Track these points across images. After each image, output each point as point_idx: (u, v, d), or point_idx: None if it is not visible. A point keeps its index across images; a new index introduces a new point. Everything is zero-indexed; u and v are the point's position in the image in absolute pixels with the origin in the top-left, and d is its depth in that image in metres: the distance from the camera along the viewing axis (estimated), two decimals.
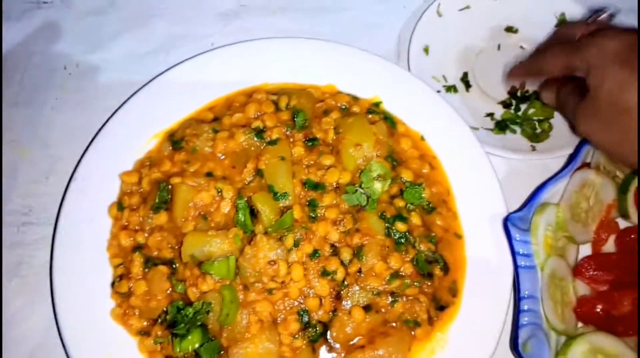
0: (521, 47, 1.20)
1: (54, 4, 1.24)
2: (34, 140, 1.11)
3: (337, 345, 0.87)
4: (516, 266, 0.88)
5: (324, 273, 0.88)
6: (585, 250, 0.97)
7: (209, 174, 0.97)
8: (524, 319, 0.85)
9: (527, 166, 1.07)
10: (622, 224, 0.98)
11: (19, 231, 1.03)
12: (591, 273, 0.91)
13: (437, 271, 0.91)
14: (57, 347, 0.93)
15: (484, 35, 1.20)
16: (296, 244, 0.88)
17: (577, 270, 0.92)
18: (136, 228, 0.95)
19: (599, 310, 0.89)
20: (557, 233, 0.93)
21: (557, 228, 0.93)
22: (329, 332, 0.88)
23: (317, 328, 0.87)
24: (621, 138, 0.79)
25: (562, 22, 1.16)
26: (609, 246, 0.96)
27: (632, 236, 0.94)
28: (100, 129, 1.02)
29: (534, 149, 1.05)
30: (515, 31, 1.21)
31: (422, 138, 1.03)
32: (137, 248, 0.93)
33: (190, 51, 1.12)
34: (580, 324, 0.91)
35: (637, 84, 0.75)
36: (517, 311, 0.86)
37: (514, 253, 0.88)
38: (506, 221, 0.90)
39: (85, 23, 1.22)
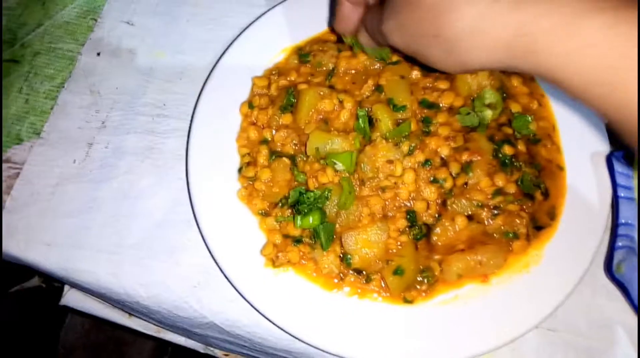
0: None
1: None
2: (168, 46, 1.23)
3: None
4: (616, 196, 0.93)
5: (434, 180, 0.96)
6: None
7: (331, 87, 1.06)
8: (620, 243, 0.91)
9: None
10: None
11: (153, 121, 1.15)
12: None
13: (538, 194, 0.98)
14: (180, 223, 1.06)
15: None
16: (411, 151, 0.96)
17: None
18: (263, 125, 1.05)
19: None
20: None
21: None
22: (432, 234, 0.96)
23: (422, 229, 0.95)
24: (412, 32, 0.72)
25: None
26: None
27: None
28: (234, 40, 1.13)
29: None
30: None
31: (532, 78, 1.09)
32: (264, 141, 1.04)
33: None
34: None
35: None
36: (613, 236, 0.92)
37: (614, 183, 0.93)
38: (610, 156, 0.96)
39: None
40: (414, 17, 0.70)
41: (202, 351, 1.34)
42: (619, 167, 0.95)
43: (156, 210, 1.07)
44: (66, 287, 1.31)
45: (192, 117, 1.06)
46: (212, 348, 1.32)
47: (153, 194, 1.08)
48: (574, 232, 0.96)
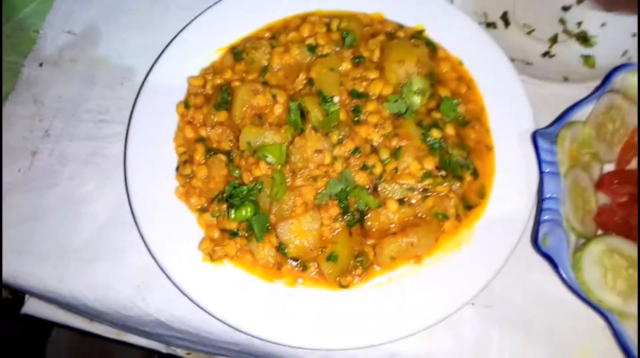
0: None
1: None
2: (109, 53, 1.25)
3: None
4: (541, 171, 0.95)
5: (364, 167, 0.98)
6: (609, 169, 1.04)
7: (265, 83, 1.08)
8: (545, 216, 0.93)
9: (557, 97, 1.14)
10: None
11: (95, 127, 1.17)
12: (614, 185, 0.98)
13: (467, 175, 1.00)
14: (123, 224, 1.07)
15: None
16: (340, 141, 0.99)
17: (600, 183, 0.99)
18: (199, 123, 1.07)
19: (618, 218, 0.96)
20: (582, 149, 1.00)
21: (582, 144, 1.00)
22: (365, 219, 0.98)
23: (355, 215, 0.97)
24: None
25: None
26: (632, 167, 1.02)
27: None
28: (171, 41, 1.15)
29: (566, 79, 1.12)
30: None
31: (461, 63, 1.12)
32: (200, 139, 1.06)
33: None
34: (599, 231, 0.98)
35: None
36: (539, 210, 0.94)
37: (539, 159, 0.96)
38: (535, 133, 0.98)
39: None
40: None
41: (164, 351, 1.35)
42: (543, 144, 0.97)
43: (99, 214, 1.09)
44: (27, 296, 1.33)
45: (129, 120, 1.07)
46: (174, 348, 1.34)
47: (97, 198, 1.10)
48: (503, 209, 0.98)
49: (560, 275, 0.90)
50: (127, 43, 1.25)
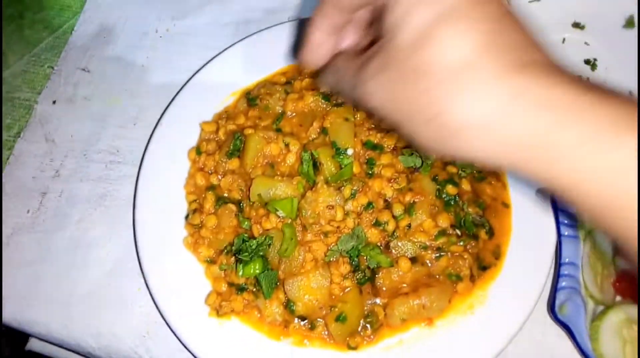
0: (586, 43, 1.23)
1: None
2: (123, 91, 1.25)
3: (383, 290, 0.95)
4: (559, 234, 0.93)
5: (376, 224, 0.96)
6: None
7: (278, 130, 1.07)
8: (563, 283, 0.90)
9: None
10: None
11: (107, 168, 1.16)
12: None
13: (483, 234, 0.97)
14: (131, 270, 1.06)
15: (550, 29, 1.25)
16: (353, 195, 0.97)
17: (620, 248, 0.96)
18: (211, 170, 1.06)
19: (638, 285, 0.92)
20: None
21: None
22: (376, 278, 0.95)
23: (366, 273, 0.95)
24: (403, 103, 0.54)
25: (630, 24, 1.20)
26: None
27: None
28: (185, 84, 1.14)
29: None
30: (582, 27, 1.25)
31: None
32: (211, 187, 1.04)
33: (267, 23, 1.23)
34: (618, 298, 0.94)
35: (455, 37, 0.49)
36: (556, 275, 0.91)
37: (558, 221, 0.93)
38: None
39: None
40: (414, 88, 0.52)
41: None
42: (561, 205, 0.94)
43: (107, 259, 1.07)
44: None
45: (140, 164, 1.06)
46: None
47: (105, 243, 1.09)
48: (519, 271, 0.95)
49: (578, 346, 0.87)
50: (142, 82, 1.25)
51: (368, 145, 1.02)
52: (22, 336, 1.34)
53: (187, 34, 1.30)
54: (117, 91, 1.25)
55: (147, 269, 0.98)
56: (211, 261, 0.99)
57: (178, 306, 0.96)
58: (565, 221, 0.93)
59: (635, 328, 0.88)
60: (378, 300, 0.95)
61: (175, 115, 1.11)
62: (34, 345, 1.29)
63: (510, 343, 0.91)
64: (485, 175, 1.03)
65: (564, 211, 0.94)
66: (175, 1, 1.35)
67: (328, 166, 0.98)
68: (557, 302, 0.89)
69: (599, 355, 0.86)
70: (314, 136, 1.05)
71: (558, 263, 0.92)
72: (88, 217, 1.11)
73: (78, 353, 1.07)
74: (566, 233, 0.93)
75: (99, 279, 1.06)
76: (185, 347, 0.93)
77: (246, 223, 0.99)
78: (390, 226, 0.95)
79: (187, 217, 1.03)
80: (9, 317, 1.04)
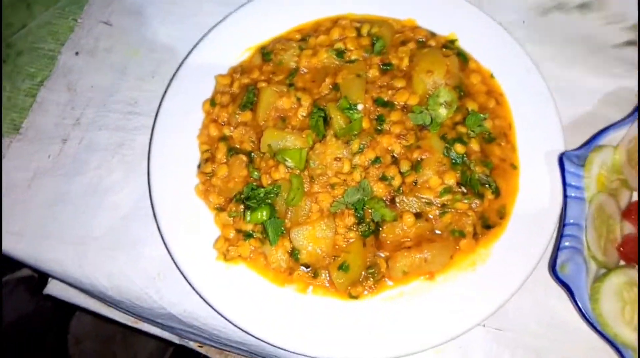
0: None
1: None
2: (143, 45, 1.27)
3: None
4: (565, 195, 0.93)
5: (383, 178, 0.97)
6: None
7: (291, 85, 1.08)
8: (565, 243, 0.90)
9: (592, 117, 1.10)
10: None
11: (124, 118, 1.20)
12: None
13: (488, 193, 0.98)
14: (145, 216, 1.09)
15: None
16: (361, 149, 0.98)
17: (627, 211, 0.95)
18: (224, 122, 1.08)
19: None
20: (611, 174, 0.96)
21: (612, 169, 0.96)
22: (380, 231, 0.97)
23: (370, 226, 0.97)
24: None
25: None
26: None
27: None
28: (202, 38, 1.16)
29: None
30: None
31: (492, 76, 1.09)
32: (223, 138, 1.07)
33: None
34: (622, 263, 0.94)
35: None
36: (559, 235, 0.91)
37: (564, 182, 0.93)
38: (562, 155, 0.95)
39: None
40: None
41: (177, 342, 1.38)
42: (570, 167, 0.94)
43: (122, 204, 1.11)
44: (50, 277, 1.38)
45: (156, 115, 1.09)
46: (186, 340, 1.37)
47: (120, 189, 1.13)
48: (523, 232, 0.96)
49: (576, 305, 0.88)
50: (160, 36, 1.27)
51: (379, 102, 1.03)
52: (40, 281, 1.40)
53: None
54: (136, 44, 1.27)
55: (159, 214, 1.01)
56: (221, 209, 1.02)
57: (188, 250, 0.99)
58: (572, 183, 0.93)
59: (636, 290, 0.88)
60: (381, 253, 0.97)
61: (192, 68, 1.13)
62: (52, 288, 1.36)
63: (510, 302, 0.92)
64: (495, 136, 1.03)
65: (572, 172, 0.93)
66: None
67: (338, 121, 0.99)
68: (559, 261, 0.89)
69: (598, 315, 0.87)
70: (326, 92, 1.06)
71: (562, 223, 0.92)
72: (105, 164, 1.15)
73: (92, 294, 1.12)
74: (572, 195, 0.93)
75: (113, 223, 1.10)
76: (194, 288, 0.96)
77: (256, 173, 1.01)
78: (397, 182, 0.97)
79: (199, 166, 1.06)
80: (27, 256, 1.09)
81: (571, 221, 0.91)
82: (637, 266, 0.91)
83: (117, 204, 1.12)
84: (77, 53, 1.28)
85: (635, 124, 0.96)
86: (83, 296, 1.35)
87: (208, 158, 1.05)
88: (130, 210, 1.11)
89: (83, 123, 1.20)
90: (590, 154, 0.95)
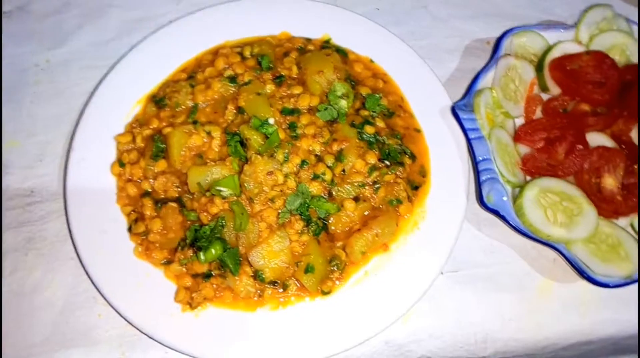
0: None
1: (12, 13, 1.32)
2: (20, 132, 1.18)
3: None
4: (468, 139, 1.06)
5: (315, 177, 1.02)
6: (521, 122, 1.17)
7: (196, 122, 1.09)
8: (483, 177, 1.03)
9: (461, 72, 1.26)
10: (545, 97, 1.18)
11: (25, 212, 1.10)
12: (528, 135, 1.10)
13: (406, 159, 1.08)
14: (85, 301, 1.02)
15: None
16: (286, 158, 1.02)
17: (517, 136, 1.12)
18: (139, 179, 1.05)
19: (540, 162, 1.08)
20: (495, 111, 1.12)
21: (494, 106, 1.12)
22: (329, 225, 1.02)
23: (318, 223, 1.01)
24: None
25: None
26: (538, 116, 1.16)
27: (555, 103, 1.15)
28: (85, 105, 1.12)
29: None
30: None
31: (371, 61, 1.20)
32: (145, 194, 1.04)
33: (151, 30, 1.24)
34: (528, 178, 1.10)
35: None
36: (477, 173, 1.04)
37: (464, 129, 1.06)
38: (454, 107, 1.09)
39: (47, 23, 1.31)
40: None
41: None
42: (463, 114, 1.07)
43: (55, 298, 1.02)
44: None
45: (64, 195, 1.03)
46: None
47: (48, 284, 1.03)
48: (444, 180, 1.07)
49: (509, 224, 1.01)
50: (36, 117, 1.19)
51: (285, 111, 1.08)
52: None
53: (70, 61, 1.26)
54: (13, 134, 1.18)
55: (107, 292, 0.95)
56: (168, 262, 0.99)
57: (151, 315, 0.94)
58: (469, 127, 1.07)
59: (550, 195, 1.03)
60: (337, 244, 1.01)
61: (85, 137, 1.08)
62: None
63: (456, 245, 1.02)
64: (394, 110, 1.14)
65: (466, 118, 1.07)
66: (48, 31, 1.30)
67: (255, 139, 1.03)
68: (484, 193, 1.01)
69: (529, 225, 1.00)
70: (232, 118, 1.09)
71: (475, 162, 1.05)
72: (21, 265, 1.05)
73: None
74: (473, 136, 1.06)
75: (54, 320, 1.00)
76: (173, 348, 0.92)
77: (192, 214, 1.00)
78: (328, 176, 1.02)
79: (129, 229, 1.01)
80: None
81: (481, 157, 1.04)
82: (540, 177, 1.07)
83: (49, 300, 1.02)
84: None
85: (499, 64, 1.14)
86: None
87: (137, 218, 1.02)
88: (67, 301, 1.02)
89: None
90: (474, 99, 1.09)
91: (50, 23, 1.31)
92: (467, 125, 1.06)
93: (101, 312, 1.00)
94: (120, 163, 1.07)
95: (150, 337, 0.93)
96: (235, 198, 0.99)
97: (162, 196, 1.04)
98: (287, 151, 1.03)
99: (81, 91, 1.20)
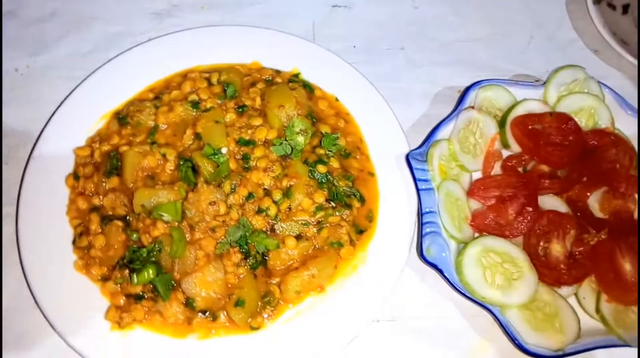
0: None
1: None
2: None
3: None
4: (417, 189, 1.06)
5: (259, 211, 1.03)
6: (479, 176, 1.16)
7: (154, 143, 1.11)
8: (426, 229, 1.03)
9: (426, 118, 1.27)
10: (506, 153, 1.18)
11: None
12: (481, 191, 1.10)
13: (355, 202, 1.08)
14: (25, 308, 1.03)
15: None
16: (233, 189, 1.03)
17: (470, 191, 1.11)
18: (91, 193, 1.07)
19: (489, 219, 1.07)
20: (450, 163, 1.12)
21: (450, 158, 1.12)
22: (267, 260, 1.02)
23: (257, 258, 1.02)
24: None
25: None
26: (497, 172, 1.16)
27: (514, 161, 1.15)
28: (53, 114, 1.15)
29: None
30: None
31: (337, 99, 1.21)
32: (94, 209, 1.06)
33: (128, 46, 1.27)
34: (476, 234, 1.09)
35: None
36: (420, 224, 1.04)
37: (414, 178, 1.06)
38: (408, 156, 1.09)
39: (32, 29, 1.35)
40: None
41: None
42: (416, 164, 1.08)
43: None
44: None
45: (18, 201, 1.05)
46: None
47: None
48: (391, 228, 1.07)
49: (446, 279, 1.00)
50: (8, 121, 1.23)
51: (241, 142, 1.09)
52: None
53: (48, 69, 1.29)
54: None
55: (42, 301, 0.97)
56: (105, 279, 1.01)
57: (80, 329, 0.96)
58: (420, 177, 1.07)
59: (492, 255, 1.02)
60: (273, 280, 1.02)
61: (47, 145, 1.11)
62: None
63: (394, 293, 1.02)
64: (350, 151, 1.14)
65: (418, 168, 1.07)
66: (32, 38, 1.34)
67: (205, 167, 1.04)
68: (424, 246, 1.01)
69: (465, 283, 1.00)
70: (190, 143, 1.11)
71: (420, 213, 1.05)
72: None
73: None
74: (423, 187, 1.06)
75: None
76: None
77: (135, 235, 1.02)
78: (272, 211, 1.03)
79: (74, 242, 1.04)
80: None
81: (427, 210, 1.04)
82: (486, 235, 1.06)
83: None
84: None
85: (461, 116, 1.14)
86: None
87: (82, 232, 1.04)
88: (9, 306, 1.04)
89: None
90: (429, 149, 1.10)
91: (35, 30, 1.34)
92: (418, 175, 1.07)
93: (38, 321, 1.02)
94: (76, 175, 1.09)
95: (76, 351, 0.95)
96: (176, 223, 1.00)
97: (110, 213, 1.06)
98: (235, 182, 1.04)
99: (54, 100, 1.22)
